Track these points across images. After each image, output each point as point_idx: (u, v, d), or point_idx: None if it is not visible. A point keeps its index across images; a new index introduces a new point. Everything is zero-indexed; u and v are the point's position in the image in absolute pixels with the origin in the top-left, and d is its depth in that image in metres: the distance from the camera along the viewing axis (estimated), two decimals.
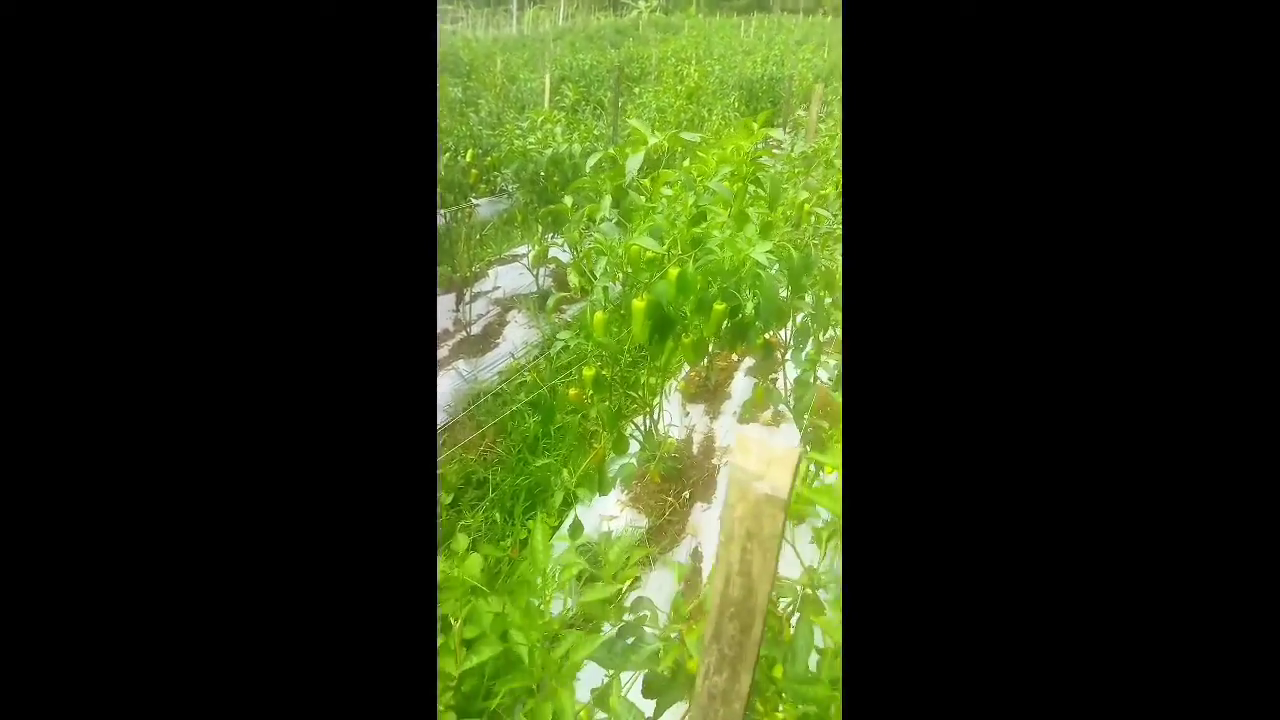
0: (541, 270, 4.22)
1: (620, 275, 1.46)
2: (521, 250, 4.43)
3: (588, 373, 1.53)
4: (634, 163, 1.33)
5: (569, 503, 1.74)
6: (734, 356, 3.56)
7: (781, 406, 1.83)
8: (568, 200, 1.59)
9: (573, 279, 1.46)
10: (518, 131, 3.55)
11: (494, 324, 3.74)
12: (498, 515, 2.32)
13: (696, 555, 2.13)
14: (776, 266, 1.53)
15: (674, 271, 1.40)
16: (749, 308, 1.58)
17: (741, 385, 3.13)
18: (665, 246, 1.38)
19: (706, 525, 2.24)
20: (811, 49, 12.43)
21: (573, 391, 1.75)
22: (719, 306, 1.56)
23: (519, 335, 3.53)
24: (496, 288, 4.14)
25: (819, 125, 4.74)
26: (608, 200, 1.42)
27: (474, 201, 5.11)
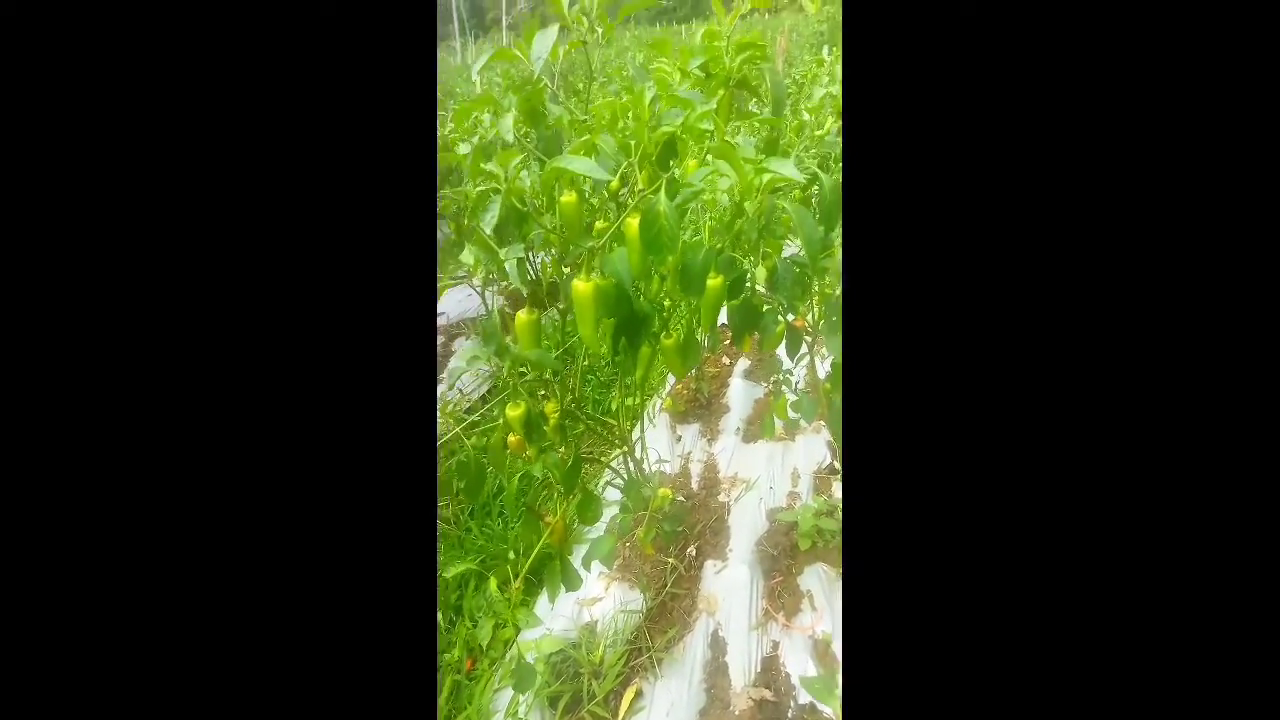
0: (490, 290, 3.63)
1: (548, 237, 0.87)
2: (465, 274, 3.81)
3: (512, 412, 0.93)
4: (544, 42, 0.76)
5: (518, 603, 1.13)
6: (724, 359, 2.97)
7: (820, 424, 1.26)
8: (449, 129, 0.98)
9: (466, 258, 0.86)
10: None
11: (438, 355, 3.13)
12: (440, 618, 1.69)
13: (718, 644, 1.52)
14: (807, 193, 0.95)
15: (634, 222, 0.82)
16: (760, 273, 1.00)
17: (739, 393, 2.55)
18: (620, 169, 0.79)
19: (726, 594, 1.64)
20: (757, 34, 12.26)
21: (511, 439, 1.14)
22: (714, 281, 0.98)
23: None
24: (441, 314, 3.54)
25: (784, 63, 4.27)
26: (509, 120, 0.84)
27: None
